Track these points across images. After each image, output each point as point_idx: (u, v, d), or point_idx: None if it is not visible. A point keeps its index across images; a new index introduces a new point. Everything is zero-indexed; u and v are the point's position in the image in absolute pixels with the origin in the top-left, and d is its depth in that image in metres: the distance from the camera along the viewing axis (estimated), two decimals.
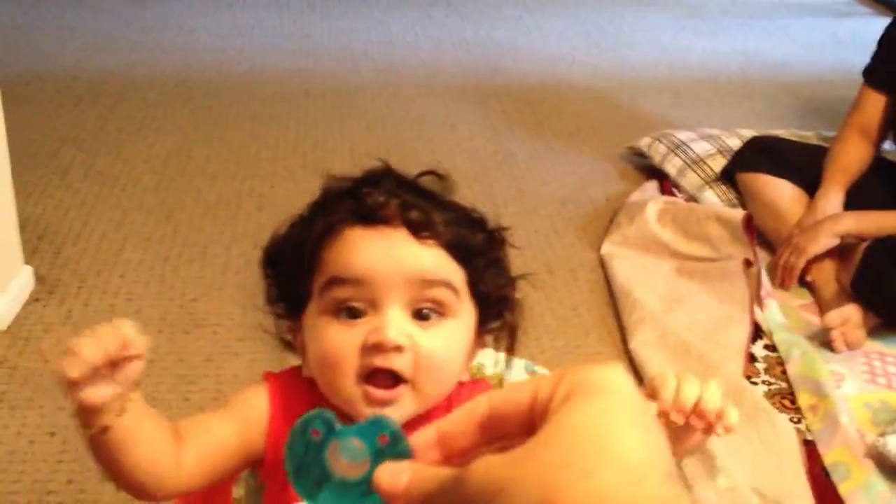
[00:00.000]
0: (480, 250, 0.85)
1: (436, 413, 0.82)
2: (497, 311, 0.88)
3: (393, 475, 0.41)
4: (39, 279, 2.15)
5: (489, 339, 0.90)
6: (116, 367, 0.70)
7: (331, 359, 0.80)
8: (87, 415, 0.73)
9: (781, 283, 2.27)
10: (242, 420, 0.85)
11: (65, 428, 1.72)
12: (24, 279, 2.09)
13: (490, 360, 1.06)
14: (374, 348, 0.77)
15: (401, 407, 0.79)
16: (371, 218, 0.81)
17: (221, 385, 1.86)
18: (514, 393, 0.41)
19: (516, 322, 0.90)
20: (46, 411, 1.76)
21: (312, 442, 0.44)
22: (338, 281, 0.80)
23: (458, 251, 0.82)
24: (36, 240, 2.31)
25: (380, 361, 0.78)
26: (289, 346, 0.90)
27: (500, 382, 1.05)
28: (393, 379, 0.79)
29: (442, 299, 0.80)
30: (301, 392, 0.86)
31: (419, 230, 0.81)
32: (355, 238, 0.81)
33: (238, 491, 0.97)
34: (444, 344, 0.80)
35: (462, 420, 0.42)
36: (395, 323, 0.78)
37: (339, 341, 0.79)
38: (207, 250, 2.35)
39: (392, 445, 0.43)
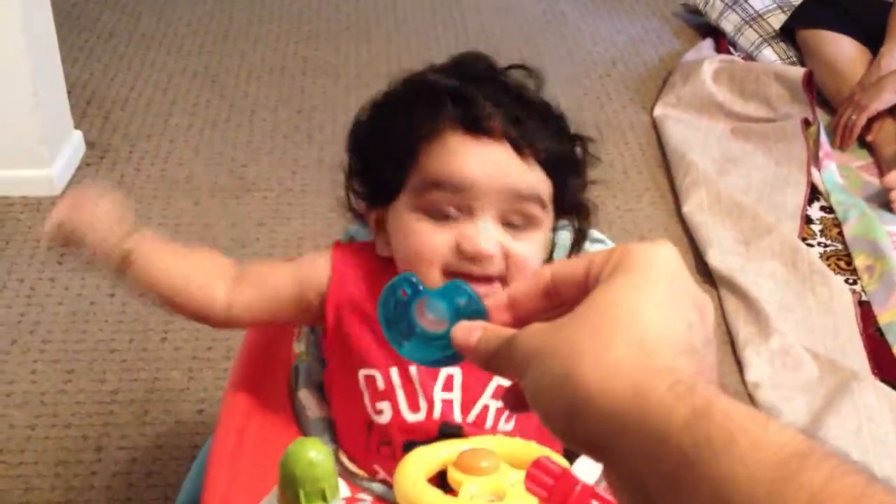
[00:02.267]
0: (571, 163, 0.89)
1: None
2: (570, 214, 0.92)
3: (467, 332, 0.46)
4: (90, 144, 2.16)
5: None
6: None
7: (421, 254, 0.83)
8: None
9: (841, 141, 2.21)
10: (303, 278, 0.89)
11: (123, 289, 1.75)
12: (75, 144, 2.10)
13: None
14: (468, 256, 0.81)
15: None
16: (476, 128, 0.82)
17: (274, 249, 1.87)
18: (573, 264, 0.45)
19: (586, 228, 0.94)
20: (105, 273, 1.79)
21: (401, 300, 0.49)
22: (438, 185, 0.82)
23: (553, 167, 0.85)
24: (84, 104, 2.31)
25: (476, 269, 0.82)
26: (359, 217, 0.93)
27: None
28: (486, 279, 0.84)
29: (532, 213, 0.84)
30: (363, 267, 0.89)
31: (522, 148, 0.82)
32: (459, 146, 0.82)
33: (300, 346, 0.98)
34: (531, 250, 0.84)
35: (529, 286, 0.46)
36: (489, 232, 0.82)
37: (430, 240, 0.83)
38: (254, 115, 2.33)
39: (469, 306, 0.48)
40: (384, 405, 0.86)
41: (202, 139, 2.23)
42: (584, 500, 0.60)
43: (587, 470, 0.78)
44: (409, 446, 0.85)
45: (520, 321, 0.46)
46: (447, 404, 0.86)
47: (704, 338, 0.41)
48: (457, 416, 0.86)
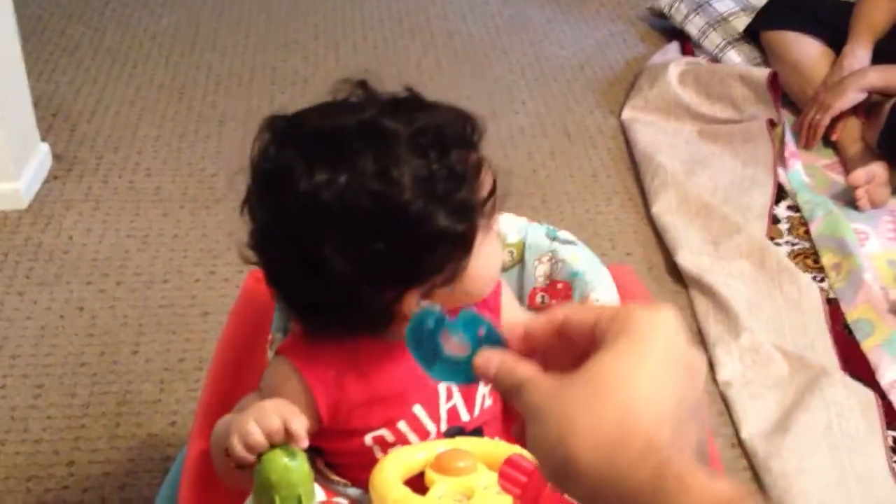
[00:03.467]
0: None
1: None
2: None
3: (486, 361, 0.50)
4: (57, 157, 2.14)
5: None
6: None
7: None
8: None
9: (806, 141, 2.23)
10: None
11: (93, 302, 1.74)
12: (41, 157, 2.08)
13: (512, 227, 1.05)
14: None
15: None
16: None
17: None
18: (584, 314, 0.49)
19: None
20: (74, 287, 1.77)
21: (428, 330, 0.54)
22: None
23: None
24: (50, 117, 2.29)
25: None
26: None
27: (520, 249, 1.05)
28: None
29: None
30: (328, 353, 0.85)
31: None
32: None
33: (273, 352, 0.98)
34: None
35: (543, 325, 0.51)
36: None
37: None
38: (223, 125, 2.32)
39: (488, 336, 0.52)
40: (396, 448, 0.87)
41: (170, 150, 2.22)
42: (557, 496, 0.60)
43: None
44: None
45: (534, 351, 0.51)
46: (452, 411, 0.87)
47: (693, 404, 0.46)
48: (463, 417, 0.87)
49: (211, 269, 1.84)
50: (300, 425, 0.75)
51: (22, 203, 1.97)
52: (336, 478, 0.87)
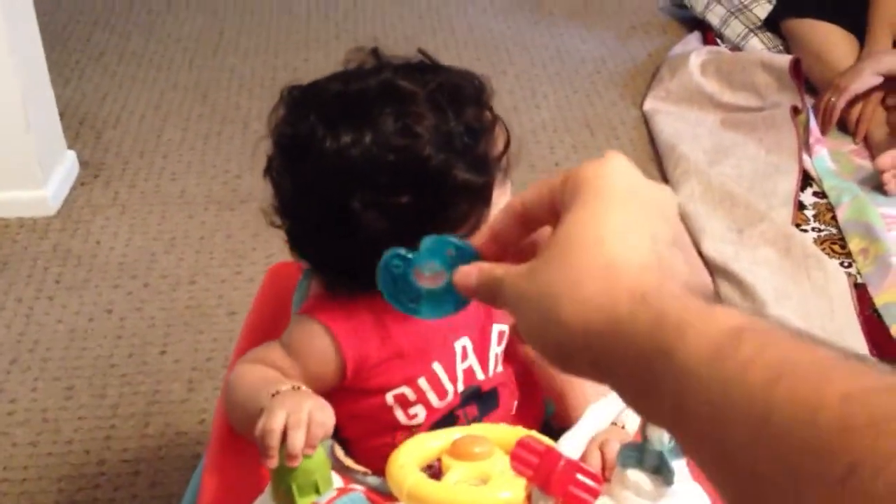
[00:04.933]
0: None
1: None
2: None
3: (465, 276, 0.48)
4: (83, 163, 2.17)
5: None
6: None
7: None
8: None
9: (821, 126, 2.21)
10: (315, 370, 0.87)
11: (121, 305, 1.76)
12: (68, 164, 2.11)
13: None
14: None
15: None
16: None
17: (270, 258, 1.87)
18: (538, 190, 0.47)
19: None
20: (102, 290, 1.80)
21: (397, 274, 0.51)
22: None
23: None
24: (77, 125, 2.32)
25: None
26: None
27: None
28: None
29: None
30: (355, 309, 0.87)
31: None
32: None
33: None
34: None
35: (505, 217, 0.49)
36: None
37: None
38: (247, 127, 2.34)
39: (459, 253, 0.50)
40: (417, 409, 0.89)
41: (195, 153, 2.24)
42: (569, 474, 0.61)
43: (572, 447, 0.79)
44: (434, 426, 0.88)
45: (506, 250, 0.49)
46: (468, 371, 0.89)
47: (670, 238, 0.43)
48: (479, 375, 0.90)
49: (236, 269, 1.86)
50: (318, 432, 0.75)
51: (50, 210, 2.00)
52: (355, 466, 0.88)
